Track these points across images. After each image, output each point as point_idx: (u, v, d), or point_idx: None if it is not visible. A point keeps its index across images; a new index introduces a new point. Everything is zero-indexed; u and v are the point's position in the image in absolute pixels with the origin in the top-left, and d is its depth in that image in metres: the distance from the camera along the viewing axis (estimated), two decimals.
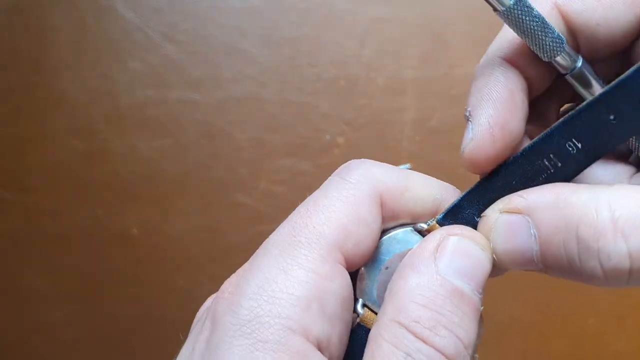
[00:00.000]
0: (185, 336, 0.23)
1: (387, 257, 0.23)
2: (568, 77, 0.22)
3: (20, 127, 0.63)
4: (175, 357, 0.22)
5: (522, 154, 0.22)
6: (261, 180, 0.61)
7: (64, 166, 0.62)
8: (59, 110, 0.62)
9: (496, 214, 0.21)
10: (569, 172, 0.21)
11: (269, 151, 0.61)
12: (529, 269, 0.21)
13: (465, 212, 0.23)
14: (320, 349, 0.20)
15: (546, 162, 0.22)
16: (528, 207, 0.21)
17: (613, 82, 0.20)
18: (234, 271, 0.23)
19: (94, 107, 0.62)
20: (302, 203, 0.22)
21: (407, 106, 0.62)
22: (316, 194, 0.22)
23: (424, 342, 0.19)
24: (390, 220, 0.23)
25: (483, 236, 0.22)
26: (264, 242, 0.22)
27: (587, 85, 0.22)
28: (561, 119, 0.21)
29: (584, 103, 0.21)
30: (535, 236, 0.20)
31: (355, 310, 0.22)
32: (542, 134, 0.21)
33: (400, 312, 0.20)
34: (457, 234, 0.21)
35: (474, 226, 0.22)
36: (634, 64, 0.22)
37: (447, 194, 0.23)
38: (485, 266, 0.21)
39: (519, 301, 0.61)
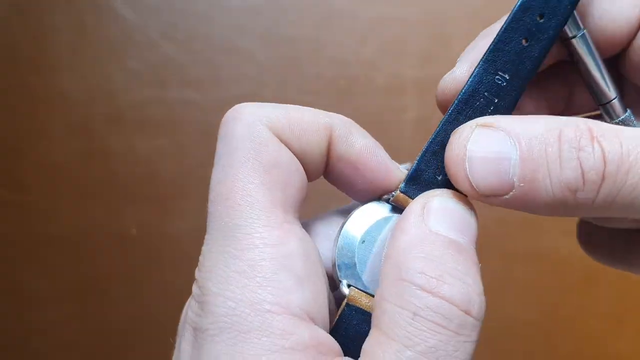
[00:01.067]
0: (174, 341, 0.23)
1: (360, 231, 0.22)
2: (574, 41, 0.22)
3: (18, 126, 0.63)
4: None
5: (460, 99, 0.22)
6: None
7: (63, 166, 0.62)
8: (58, 110, 0.62)
9: (472, 127, 0.20)
10: (507, 104, 0.22)
11: None
12: (497, 192, 0.19)
13: (425, 174, 0.22)
14: (310, 317, 0.19)
15: (483, 101, 0.22)
16: (501, 125, 0.20)
17: (513, 10, 0.22)
18: None
19: (93, 107, 0.62)
20: (211, 182, 0.21)
21: (407, 106, 0.61)
22: (217, 166, 0.21)
23: (431, 293, 0.18)
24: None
25: (462, 195, 0.21)
26: (204, 241, 0.21)
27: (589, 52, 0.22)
28: (481, 59, 0.22)
29: (496, 35, 0.22)
30: (514, 144, 0.19)
31: (340, 292, 0.22)
32: (471, 75, 0.22)
33: (401, 269, 0.19)
34: (438, 194, 0.21)
35: (438, 186, 0.22)
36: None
37: (335, 119, 0.23)
38: (473, 221, 0.21)
39: (521, 302, 0.61)
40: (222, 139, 0.21)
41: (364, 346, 0.19)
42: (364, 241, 0.22)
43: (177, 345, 0.22)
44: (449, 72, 0.23)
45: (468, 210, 0.21)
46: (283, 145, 0.21)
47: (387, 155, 0.23)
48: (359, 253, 0.22)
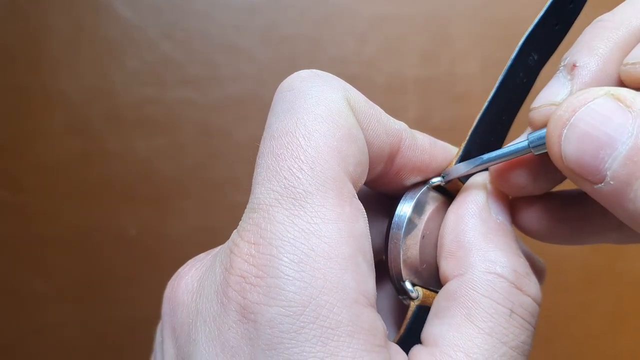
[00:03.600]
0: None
1: (420, 224, 0.21)
2: None
3: (16, 126, 0.62)
4: None
5: (503, 78, 0.22)
6: None
7: (61, 166, 0.62)
8: (56, 109, 0.62)
9: (601, 92, 0.17)
10: (529, 85, 0.23)
11: None
12: (586, 175, 0.17)
13: (475, 155, 0.21)
14: (374, 306, 0.17)
15: (518, 81, 0.22)
16: (636, 106, 0.16)
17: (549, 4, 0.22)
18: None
19: (92, 106, 0.62)
20: (268, 137, 0.18)
21: (408, 105, 0.61)
22: (282, 121, 0.18)
23: (522, 291, 0.18)
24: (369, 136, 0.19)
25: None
26: (254, 204, 0.18)
27: None
28: (524, 37, 0.22)
29: (539, 18, 0.22)
30: (632, 134, 0.15)
31: (405, 292, 0.21)
32: (514, 53, 0.22)
33: (494, 263, 0.19)
34: (490, 183, 0.21)
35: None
36: None
37: (404, 127, 0.21)
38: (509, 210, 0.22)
39: None
40: (290, 96, 0.19)
41: (439, 331, 0.18)
42: (424, 236, 0.21)
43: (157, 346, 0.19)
44: (564, 93, 0.19)
45: (507, 200, 0.21)
46: (360, 127, 0.19)
47: (444, 143, 0.23)
48: (421, 248, 0.21)
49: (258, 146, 0.20)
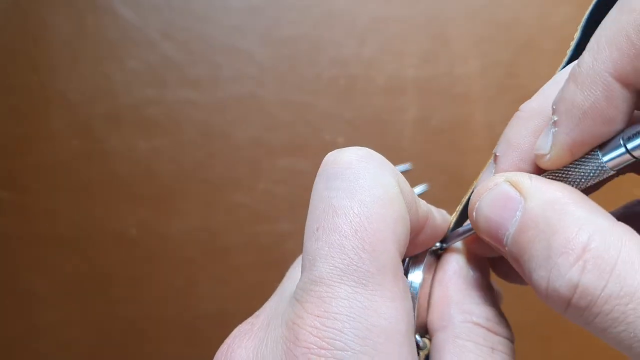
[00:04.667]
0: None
1: (422, 283, 0.24)
2: None
3: (18, 126, 0.63)
4: None
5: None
6: (260, 180, 0.61)
7: (63, 166, 0.62)
8: (57, 110, 0.62)
9: (500, 179, 0.21)
10: None
11: (268, 151, 0.61)
12: (492, 246, 0.21)
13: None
14: None
15: None
16: (528, 191, 0.20)
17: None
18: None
19: (93, 107, 0.62)
20: (323, 213, 0.19)
21: (407, 105, 0.61)
22: (341, 200, 0.19)
23: (496, 334, 0.22)
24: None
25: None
26: (316, 277, 0.19)
27: None
28: (579, 31, 0.22)
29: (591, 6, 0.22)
30: (517, 219, 0.20)
31: (416, 345, 0.23)
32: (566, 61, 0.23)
33: (470, 314, 0.22)
34: (465, 246, 0.25)
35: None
36: None
37: (430, 210, 0.24)
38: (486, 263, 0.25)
39: (518, 305, 0.61)
40: (348, 175, 0.20)
41: None
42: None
43: None
44: (548, 145, 0.21)
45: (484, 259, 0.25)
46: (405, 206, 0.21)
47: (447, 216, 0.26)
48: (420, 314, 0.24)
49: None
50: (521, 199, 0.20)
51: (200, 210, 0.62)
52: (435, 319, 0.23)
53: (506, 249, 0.20)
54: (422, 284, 0.24)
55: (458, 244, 0.25)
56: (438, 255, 0.25)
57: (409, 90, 0.61)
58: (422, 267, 0.24)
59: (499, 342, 0.22)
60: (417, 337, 0.23)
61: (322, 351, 0.17)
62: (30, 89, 0.62)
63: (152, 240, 0.62)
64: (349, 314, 0.18)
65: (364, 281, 0.18)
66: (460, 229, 0.24)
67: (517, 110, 0.22)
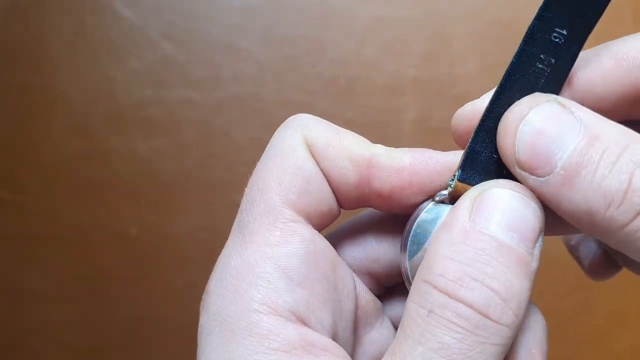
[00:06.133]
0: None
1: (424, 241, 0.21)
2: None
3: (18, 126, 0.63)
4: None
5: (512, 67, 0.20)
6: None
7: (62, 166, 0.62)
8: (57, 110, 0.62)
9: (549, 99, 0.19)
10: (566, 64, 0.20)
11: None
12: (535, 168, 0.18)
13: (482, 156, 0.20)
14: (300, 319, 0.19)
15: (540, 65, 0.20)
16: (577, 112, 0.18)
17: None
18: None
19: (93, 107, 0.62)
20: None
21: (407, 106, 0.61)
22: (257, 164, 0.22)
23: (448, 295, 0.18)
24: (332, 172, 0.21)
25: (526, 187, 0.19)
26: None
27: None
28: (535, 16, 0.20)
29: None
30: (578, 133, 0.18)
31: None
32: (523, 38, 0.20)
33: (425, 269, 0.18)
34: (494, 185, 0.19)
35: (497, 167, 0.20)
36: None
37: (377, 151, 0.22)
38: (532, 217, 0.18)
39: None
40: (269, 144, 0.22)
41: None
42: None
43: None
44: (468, 103, 0.22)
45: (527, 203, 0.19)
46: (311, 158, 0.21)
47: (437, 152, 0.22)
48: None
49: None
50: (577, 116, 0.18)
51: (200, 210, 0.62)
52: None
53: (556, 169, 0.18)
54: (410, 238, 0.21)
55: (483, 185, 0.19)
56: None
57: (409, 90, 0.61)
58: (425, 207, 0.21)
59: (446, 305, 0.18)
60: None
61: (203, 298, 0.20)
62: (30, 89, 0.62)
63: (152, 240, 0.62)
64: (221, 261, 0.20)
65: (242, 229, 0.20)
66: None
67: None
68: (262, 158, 0.21)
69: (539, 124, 0.18)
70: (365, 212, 0.24)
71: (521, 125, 0.19)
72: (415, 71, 0.61)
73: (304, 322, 0.19)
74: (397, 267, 0.22)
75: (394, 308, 0.24)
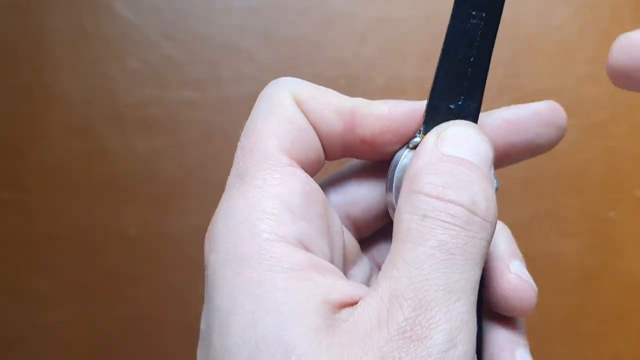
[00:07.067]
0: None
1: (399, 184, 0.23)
2: None
3: (17, 126, 0.63)
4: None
5: (451, 27, 0.25)
6: None
7: (62, 166, 0.62)
8: (57, 110, 0.62)
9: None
10: (492, 27, 0.24)
11: None
12: None
13: (442, 108, 0.23)
14: (305, 247, 0.21)
15: (473, 20, 0.24)
16: None
17: None
18: None
19: (93, 107, 0.62)
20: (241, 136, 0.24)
21: None
22: (248, 120, 0.24)
23: (437, 198, 0.20)
24: (318, 124, 0.23)
25: (477, 125, 0.23)
26: (226, 184, 0.24)
27: None
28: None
29: None
30: None
31: None
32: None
33: (411, 183, 0.21)
34: (451, 124, 0.23)
35: (455, 116, 0.23)
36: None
37: (358, 102, 0.24)
38: (486, 146, 0.22)
39: None
40: (256, 102, 0.24)
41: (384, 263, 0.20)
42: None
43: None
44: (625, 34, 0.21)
45: (481, 136, 0.22)
46: (300, 111, 0.23)
47: (410, 101, 0.24)
48: None
49: None
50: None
51: (200, 210, 0.62)
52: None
53: None
54: (400, 170, 0.23)
55: (443, 125, 0.23)
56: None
57: (409, 90, 0.61)
58: (403, 152, 0.24)
59: (436, 207, 0.19)
60: None
61: (205, 239, 0.22)
62: (30, 89, 0.62)
63: (152, 240, 0.62)
64: (222, 204, 0.22)
65: (240, 176, 0.22)
66: None
67: None
68: (251, 116, 0.23)
69: None
70: (346, 165, 0.27)
71: None
72: (415, 71, 0.61)
73: (307, 249, 0.21)
74: (373, 210, 0.26)
75: (371, 253, 0.27)
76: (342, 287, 0.20)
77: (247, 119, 0.24)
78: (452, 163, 0.21)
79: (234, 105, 0.62)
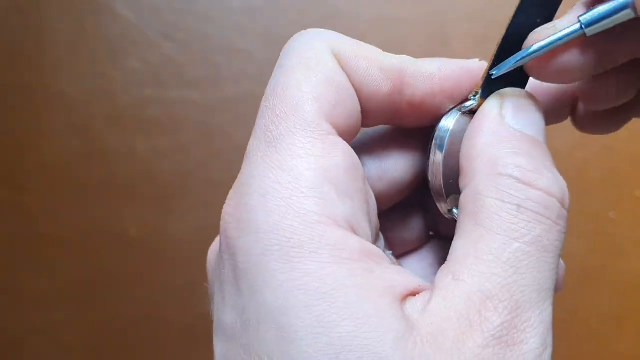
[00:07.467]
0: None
1: (455, 147, 0.21)
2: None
3: (17, 126, 0.63)
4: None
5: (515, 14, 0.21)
6: None
7: (62, 166, 0.62)
8: (57, 110, 0.62)
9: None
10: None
11: None
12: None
13: (499, 77, 0.21)
14: (352, 229, 0.18)
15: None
16: None
17: None
18: None
19: (92, 107, 0.62)
20: (264, 96, 0.21)
21: None
22: (272, 78, 0.20)
23: (531, 186, 0.18)
24: (358, 81, 0.21)
25: (531, 94, 0.21)
26: (245, 154, 0.20)
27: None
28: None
29: None
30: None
31: (449, 212, 0.22)
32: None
33: (497, 164, 0.18)
34: (510, 94, 0.21)
35: (515, 85, 0.22)
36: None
37: (405, 59, 0.22)
38: (543, 120, 0.20)
39: None
40: (283, 54, 0.20)
41: (454, 245, 0.18)
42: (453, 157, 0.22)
43: (211, 296, 0.21)
44: (549, 24, 0.22)
45: (539, 109, 0.20)
46: (341, 69, 0.20)
47: (462, 60, 0.22)
48: (448, 173, 0.22)
49: None
50: None
51: (200, 210, 0.62)
52: (461, 181, 0.20)
53: None
54: (453, 134, 0.21)
55: (496, 94, 0.21)
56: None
57: None
58: (453, 115, 0.21)
59: (531, 198, 0.18)
60: (447, 210, 0.22)
61: (229, 217, 0.18)
62: (30, 89, 0.62)
63: (152, 240, 0.62)
64: (255, 176, 0.18)
65: (273, 143, 0.18)
66: (528, 50, 0.20)
67: None
68: (281, 70, 0.20)
69: None
70: (371, 128, 0.24)
71: None
72: None
73: (354, 232, 0.18)
74: (400, 183, 0.23)
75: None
76: (399, 276, 0.18)
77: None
78: (528, 143, 0.19)
79: (233, 104, 0.62)
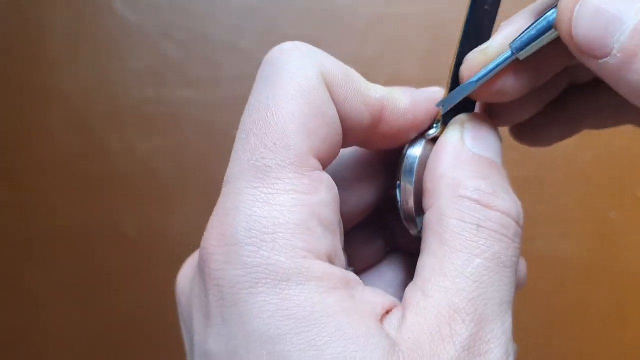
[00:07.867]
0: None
1: (421, 173, 0.23)
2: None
3: (17, 125, 0.63)
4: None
5: (471, 10, 0.23)
6: None
7: (61, 164, 0.62)
8: (57, 109, 0.62)
9: None
10: (495, 8, 0.24)
11: None
12: (593, 50, 0.18)
13: (457, 105, 0.23)
14: (331, 260, 0.19)
15: (484, 8, 0.24)
16: None
17: None
18: None
19: (92, 106, 0.62)
20: (246, 111, 0.20)
21: None
22: (257, 96, 0.20)
23: (489, 207, 0.20)
24: (342, 108, 0.21)
25: (487, 118, 0.23)
26: (225, 178, 0.20)
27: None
28: None
29: None
30: (637, 13, 0.17)
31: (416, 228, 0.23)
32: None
33: (458, 186, 0.20)
34: (470, 120, 0.22)
35: (470, 107, 0.23)
36: None
37: (384, 94, 0.22)
38: (499, 143, 0.22)
39: (517, 303, 0.61)
40: (271, 70, 0.20)
41: (421, 263, 0.20)
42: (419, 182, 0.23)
43: (183, 319, 0.22)
44: (479, 47, 0.23)
45: (496, 133, 0.22)
46: (331, 101, 0.20)
47: (429, 91, 0.24)
48: (416, 198, 0.23)
49: None
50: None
51: (200, 210, 0.62)
52: (425, 202, 0.21)
53: (613, 51, 0.18)
54: (420, 161, 0.23)
55: (456, 119, 0.23)
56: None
57: None
58: (419, 143, 0.23)
59: (489, 218, 0.19)
60: (417, 230, 0.23)
61: (214, 248, 0.18)
62: (30, 89, 0.62)
63: (152, 240, 0.62)
64: (239, 208, 0.18)
65: (260, 175, 0.19)
66: (468, 82, 0.22)
67: None
68: (270, 90, 0.19)
69: (596, 2, 0.18)
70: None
71: (577, 7, 0.18)
72: (415, 70, 0.61)
73: (333, 262, 0.19)
74: (362, 204, 0.25)
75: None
76: (375, 297, 0.19)
77: None
78: (487, 165, 0.21)
79: (233, 104, 0.61)
